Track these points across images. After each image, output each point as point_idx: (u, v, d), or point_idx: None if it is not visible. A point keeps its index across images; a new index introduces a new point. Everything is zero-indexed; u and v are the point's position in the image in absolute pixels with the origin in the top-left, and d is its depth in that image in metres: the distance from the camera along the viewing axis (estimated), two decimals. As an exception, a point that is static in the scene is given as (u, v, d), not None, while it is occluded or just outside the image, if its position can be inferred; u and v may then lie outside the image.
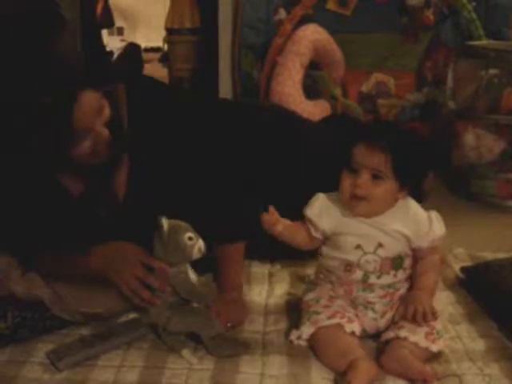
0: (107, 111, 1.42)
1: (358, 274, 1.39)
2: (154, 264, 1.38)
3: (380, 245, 1.37)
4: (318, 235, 1.43)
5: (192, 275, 1.38)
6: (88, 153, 1.40)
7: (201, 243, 1.36)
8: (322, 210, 1.41)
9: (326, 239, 1.43)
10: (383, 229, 1.37)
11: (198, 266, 1.41)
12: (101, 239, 1.47)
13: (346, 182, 1.35)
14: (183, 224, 1.37)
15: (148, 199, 1.49)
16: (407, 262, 1.42)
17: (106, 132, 1.41)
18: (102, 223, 1.54)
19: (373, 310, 1.43)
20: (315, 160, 1.74)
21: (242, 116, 1.80)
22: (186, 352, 1.37)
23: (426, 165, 1.39)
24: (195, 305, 1.40)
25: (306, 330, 1.39)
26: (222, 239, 1.58)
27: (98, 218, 1.54)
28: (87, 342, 1.39)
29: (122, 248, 1.45)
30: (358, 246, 1.38)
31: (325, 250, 1.44)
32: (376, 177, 1.33)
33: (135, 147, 1.51)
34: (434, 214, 1.41)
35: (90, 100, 1.36)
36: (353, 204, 1.35)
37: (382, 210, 1.37)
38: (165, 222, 1.34)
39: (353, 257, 1.38)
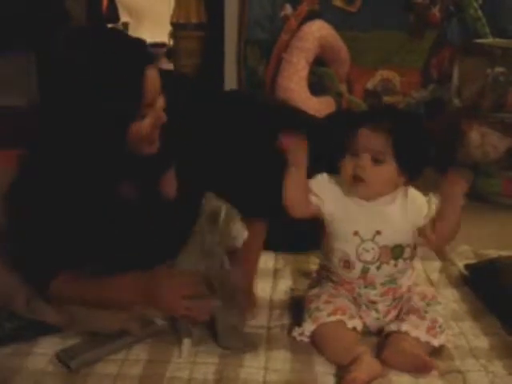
0: (164, 98, 1.38)
1: (358, 268, 1.39)
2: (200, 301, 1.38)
3: (378, 232, 1.37)
4: (314, 203, 1.40)
5: (227, 265, 1.39)
6: (145, 133, 1.35)
7: (246, 233, 1.37)
8: (325, 184, 1.41)
9: (326, 226, 1.42)
10: (382, 217, 1.37)
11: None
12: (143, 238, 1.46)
13: (348, 164, 1.35)
14: (236, 212, 1.37)
15: (195, 195, 1.44)
16: (408, 252, 1.41)
17: (164, 114, 1.38)
18: (151, 225, 1.51)
19: (376, 310, 1.43)
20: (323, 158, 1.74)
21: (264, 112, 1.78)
22: (186, 341, 1.38)
23: (426, 150, 1.39)
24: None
25: (308, 327, 1.39)
26: (246, 212, 1.51)
27: (150, 221, 1.51)
28: (98, 341, 1.37)
29: (157, 283, 1.40)
30: (356, 233, 1.37)
31: (324, 241, 1.45)
32: (376, 160, 1.33)
33: (183, 146, 1.49)
34: (433, 196, 1.40)
35: (155, 75, 1.34)
36: (353, 185, 1.36)
37: (380, 193, 1.37)
38: (223, 208, 1.34)
39: (351, 246, 1.38)
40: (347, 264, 1.40)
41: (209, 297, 1.38)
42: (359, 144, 1.34)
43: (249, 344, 1.40)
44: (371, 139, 1.33)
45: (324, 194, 1.40)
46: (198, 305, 1.38)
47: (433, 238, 1.38)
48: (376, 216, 1.37)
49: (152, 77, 1.32)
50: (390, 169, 1.34)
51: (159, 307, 1.41)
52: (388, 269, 1.39)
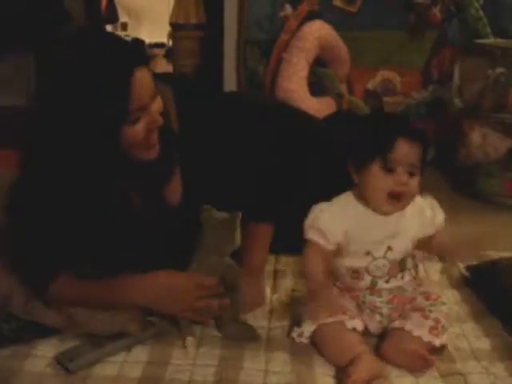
0: (160, 101, 1.34)
1: (367, 280, 1.39)
2: (207, 282, 1.38)
3: (389, 248, 1.36)
4: (331, 246, 1.37)
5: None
6: (140, 138, 1.31)
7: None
8: (334, 217, 1.36)
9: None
10: (395, 229, 1.36)
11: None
12: (146, 244, 1.45)
13: (383, 180, 1.31)
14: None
15: (201, 201, 1.43)
16: (410, 263, 1.41)
17: (159, 118, 1.33)
18: (154, 231, 1.50)
19: (380, 314, 1.42)
20: (323, 159, 1.73)
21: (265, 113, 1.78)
22: (190, 340, 1.38)
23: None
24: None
25: (307, 328, 1.38)
26: (252, 216, 1.53)
27: (153, 227, 1.50)
28: (97, 343, 1.36)
29: (172, 283, 1.40)
30: (368, 253, 1.37)
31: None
32: (411, 174, 1.31)
33: (187, 151, 1.47)
34: (433, 201, 1.41)
35: (146, 77, 1.28)
36: (390, 203, 1.33)
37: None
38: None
39: (362, 263, 1.38)
40: (356, 275, 1.40)
41: (224, 295, 1.39)
42: (396, 158, 1.30)
43: (251, 335, 1.41)
44: (411, 154, 1.30)
45: (335, 227, 1.35)
46: (211, 304, 1.38)
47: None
48: (389, 229, 1.36)
49: (142, 79, 1.27)
50: (418, 181, 1.33)
51: (164, 307, 1.40)
52: (395, 281, 1.39)
